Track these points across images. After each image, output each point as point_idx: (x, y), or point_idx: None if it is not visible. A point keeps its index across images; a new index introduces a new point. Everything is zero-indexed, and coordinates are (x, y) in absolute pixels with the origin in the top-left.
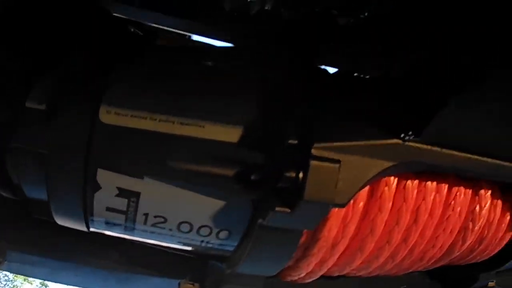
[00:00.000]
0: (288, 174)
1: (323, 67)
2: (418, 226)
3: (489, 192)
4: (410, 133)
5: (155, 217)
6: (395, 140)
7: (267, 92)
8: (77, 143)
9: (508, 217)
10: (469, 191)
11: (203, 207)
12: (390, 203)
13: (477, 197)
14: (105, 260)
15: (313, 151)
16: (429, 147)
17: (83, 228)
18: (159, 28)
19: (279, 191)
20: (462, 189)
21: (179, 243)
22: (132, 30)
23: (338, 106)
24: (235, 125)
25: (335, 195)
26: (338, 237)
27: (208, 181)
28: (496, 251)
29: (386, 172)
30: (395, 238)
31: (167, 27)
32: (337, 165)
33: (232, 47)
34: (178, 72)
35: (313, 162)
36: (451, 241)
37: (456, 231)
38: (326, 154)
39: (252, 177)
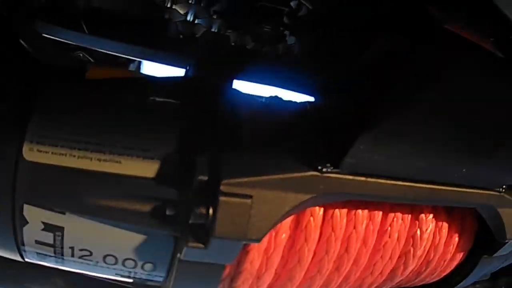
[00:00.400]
0: (198, 211)
1: (248, 93)
2: (350, 254)
3: (431, 215)
4: (329, 164)
5: (80, 250)
6: (312, 173)
7: (183, 125)
8: (3, 180)
9: (457, 238)
10: (408, 216)
11: (125, 241)
12: (317, 233)
13: (417, 222)
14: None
15: (222, 187)
16: (350, 177)
17: (18, 258)
18: (108, 53)
19: (192, 227)
20: (399, 214)
21: (112, 274)
22: (81, 55)
23: (252, 139)
24: (150, 161)
25: (248, 230)
26: (262, 269)
27: (126, 216)
28: (447, 272)
29: (306, 205)
30: (326, 267)
31: (115, 52)
32: (248, 201)
33: (156, 77)
34: (98, 107)
35: (222, 198)
36: (391, 267)
37: (396, 257)
38: (236, 189)
39: (167, 213)
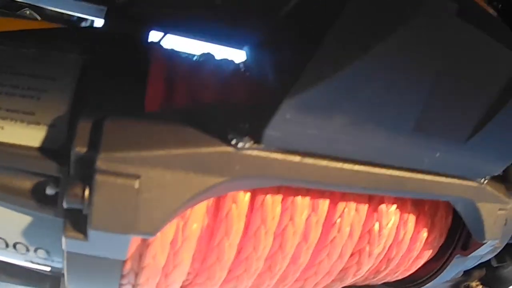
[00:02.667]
0: (72, 192)
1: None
2: (286, 252)
3: (393, 206)
4: (247, 138)
5: None
6: (224, 148)
7: (81, 85)
8: None
9: (425, 234)
10: (364, 207)
11: (11, 223)
12: (241, 225)
13: (375, 214)
14: None
15: (99, 163)
16: (278, 156)
17: None
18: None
19: (71, 212)
20: (352, 204)
21: (9, 258)
22: (28, 12)
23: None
24: (36, 127)
25: (136, 222)
26: (168, 266)
27: (8, 194)
28: (412, 270)
29: (217, 191)
30: (255, 266)
31: (60, 9)
32: (135, 182)
33: (67, 28)
34: None
35: (99, 178)
36: (341, 267)
37: (348, 255)
38: (118, 167)
39: (47, 192)
